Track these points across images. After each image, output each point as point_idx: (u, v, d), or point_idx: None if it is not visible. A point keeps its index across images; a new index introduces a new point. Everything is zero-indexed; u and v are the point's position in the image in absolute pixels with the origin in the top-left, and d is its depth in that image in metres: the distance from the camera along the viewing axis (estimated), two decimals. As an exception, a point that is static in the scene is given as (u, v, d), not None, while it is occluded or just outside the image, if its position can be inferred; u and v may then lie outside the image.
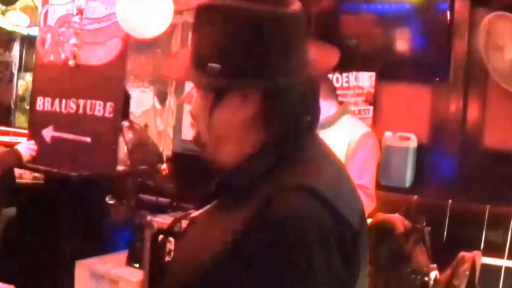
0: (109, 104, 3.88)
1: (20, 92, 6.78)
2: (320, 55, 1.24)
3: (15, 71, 6.87)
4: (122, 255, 3.89)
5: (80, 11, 4.01)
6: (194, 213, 1.31)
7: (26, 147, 4.12)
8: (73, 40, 4.01)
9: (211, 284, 1.12)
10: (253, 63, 1.14)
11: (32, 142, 4.17)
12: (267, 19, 1.14)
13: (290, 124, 1.19)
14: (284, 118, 1.18)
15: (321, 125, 3.19)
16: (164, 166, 4.66)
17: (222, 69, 1.13)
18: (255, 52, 1.14)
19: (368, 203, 3.09)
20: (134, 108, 4.98)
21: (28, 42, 6.67)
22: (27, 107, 5.67)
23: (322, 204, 1.09)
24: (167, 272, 1.29)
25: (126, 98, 4.28)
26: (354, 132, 3.23)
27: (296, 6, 1.19)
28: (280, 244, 1.05)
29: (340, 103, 3.43)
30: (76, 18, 4.02)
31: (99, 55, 3.94)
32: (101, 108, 3.90)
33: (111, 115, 3.87)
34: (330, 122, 3.25)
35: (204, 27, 1.19)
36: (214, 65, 1.13)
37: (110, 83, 3.92)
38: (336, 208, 1.10)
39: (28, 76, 6.57)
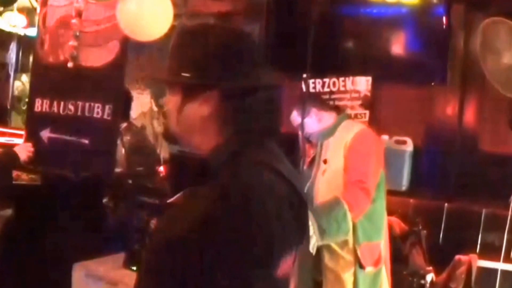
0: (107, 106, 3.87)
1: (16, 92, 6.79)
2: (270, 76, 1.60)
3: (11, 72, 6.88)
4: (120, 257, 3.88)
5: (79, 13, 4.00)
6: (170, 199, 1.58)
7: (23, 149, 4.12)
8: (72, 42, 4.00)
9: (186, 254, 1.33)
10: (213, 72, 1.48)
11: (29, 144, 4.17)
12: (224, 40, 1.51)
13: (249, 121, 1.50)
14: (242, 116, 1.50)
15: (324, 134, 3.33)
16: (161, 168, 4.67)
17: (190, 76, 1.49)
18: (214, 64, 1.48)
19: (363, 197, 3.07)
20: (131, 110, 4.99)
21: (25, 43, 6.68)
22: (23, 108, 5.66)
23: (274, 174, 1.41)
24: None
25: (128, 99, 4.29)
26: (350, 132, 3.28)
27: (248, 35, 1.60)
28: (243, 205, 1.33)
29: (339, 112, 3.49)
30: (75, 20, 4.01)
31: (98, 57, 3.93)
32: (100, 110, 3.90)
33: (109, 117, 3.87)
34: (331, 131, 3.33)
35: (179, 46, 1.54)
36: (185, 74, 1.50)
37: (109, 85, 3.91)
38: (285, 177, 1.44)
39: (25, 77, 6.58)
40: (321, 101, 3.55)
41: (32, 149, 4.11)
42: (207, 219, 1.32)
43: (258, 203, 1.34)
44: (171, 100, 1.54)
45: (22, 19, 6.19)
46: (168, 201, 1.59)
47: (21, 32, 6.42)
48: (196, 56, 1.50)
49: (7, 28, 6.30)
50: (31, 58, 6.57)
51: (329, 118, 3.38)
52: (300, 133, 3.48)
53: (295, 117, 3.42)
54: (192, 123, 1.51)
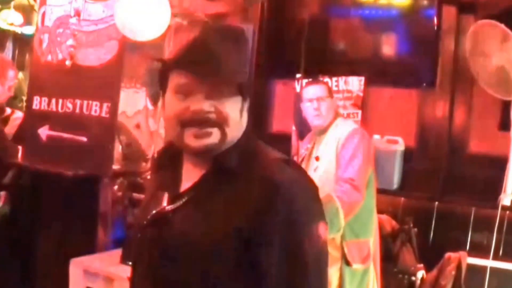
0: (105, 105, 3.92)
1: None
2: None
3: (7, 69, 6.87)
4: (116, 253, 3.92)
5: (77, 13, 4.04)
6: (170, 206, 1.50)
7: None
8: (70, 41, 4.04)
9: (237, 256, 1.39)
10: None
11: None
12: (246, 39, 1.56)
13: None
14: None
15: (318, 131, 3.39)
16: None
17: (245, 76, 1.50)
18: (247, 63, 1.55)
19: (355, 195, 3.14)
20: (127, 108, 5.03)
21: (21, 40, 6.70)
22: (19, 105, 5.68)
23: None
24: (163, 255, 1.48)
25: None
26: (342, 130, 3.36)
27: None
28: (288, 197, 1.44)
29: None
30: (73, 20, 4.05)
31: (96, 57, 3.97)
32: (98, 108, 3.94)
33: (107, 115, 3.92)
34: (325, 129, 3.42)
35: (222, 49, 1.45)
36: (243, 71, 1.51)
37: (106, 84, 3.95)
38: None
39: (21, 74, 6.59)
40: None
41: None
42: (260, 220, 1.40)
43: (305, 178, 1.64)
44: (229, 104, 1.45)
45: (19, 17, 6.20)
46: (170, 207, 1.50)
47: (18, 30, 6.44)
48: (242, 58, 1.51)
49: (4, 26, 6.32)
50: (27, 56, 6.61)
51: (328, 114, 3.46)
52: (293, 131, 3.56)
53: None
54: (244, 124, 1.52)
